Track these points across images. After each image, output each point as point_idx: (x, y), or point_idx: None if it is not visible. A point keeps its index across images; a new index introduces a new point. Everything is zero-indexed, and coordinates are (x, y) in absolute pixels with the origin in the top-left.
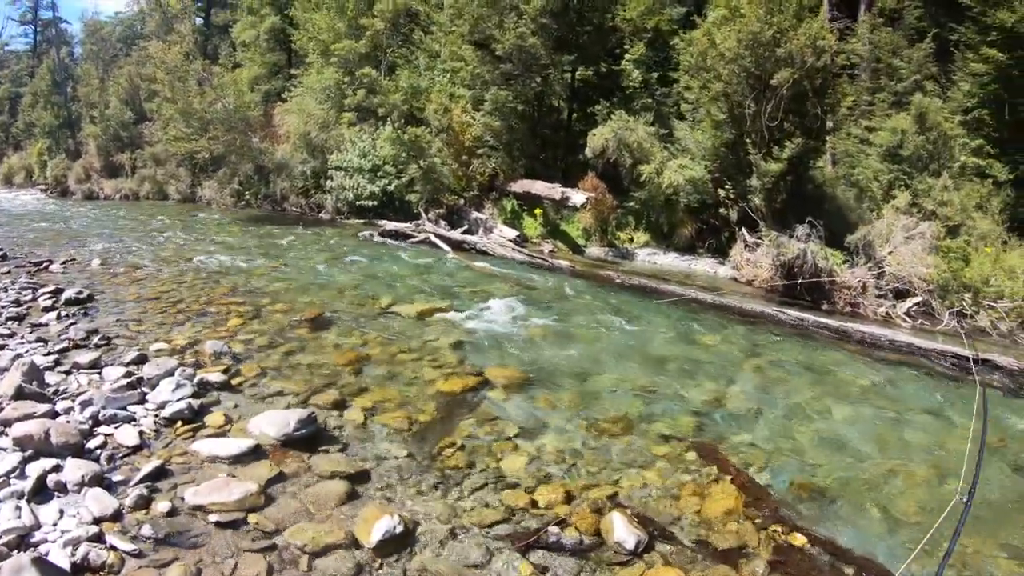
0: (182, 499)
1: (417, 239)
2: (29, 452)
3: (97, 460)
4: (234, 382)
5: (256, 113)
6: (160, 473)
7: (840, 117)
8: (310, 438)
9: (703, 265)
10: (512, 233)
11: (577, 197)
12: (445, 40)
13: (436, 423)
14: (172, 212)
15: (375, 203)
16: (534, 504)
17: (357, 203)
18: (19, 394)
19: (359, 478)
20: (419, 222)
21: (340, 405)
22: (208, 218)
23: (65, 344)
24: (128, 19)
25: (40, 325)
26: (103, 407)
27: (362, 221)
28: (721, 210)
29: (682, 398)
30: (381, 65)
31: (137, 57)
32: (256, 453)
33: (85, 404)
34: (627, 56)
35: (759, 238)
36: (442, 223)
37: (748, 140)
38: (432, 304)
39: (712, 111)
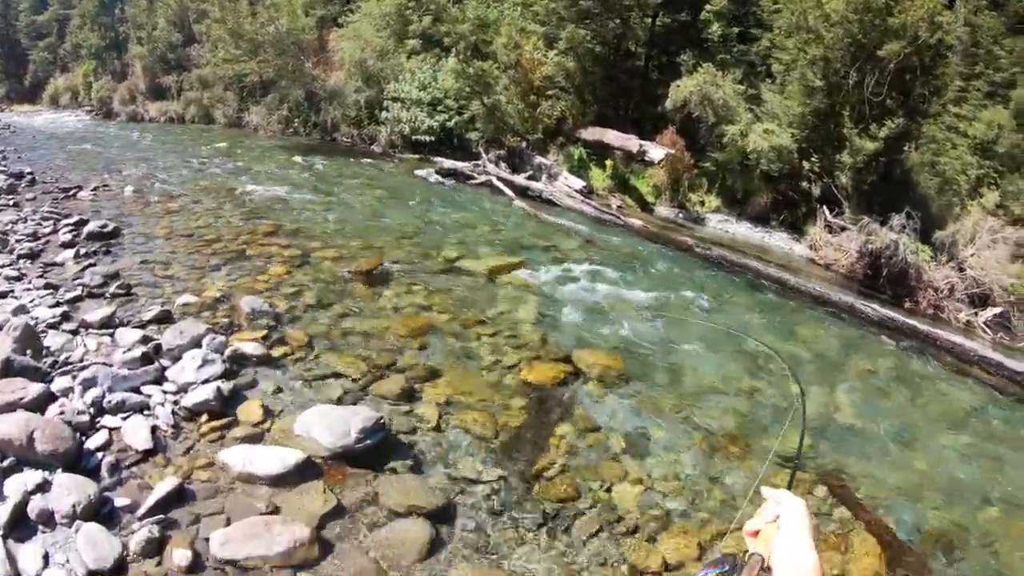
0: (206, 543)
1: (477, 181)
2: (9, 461)
3: (96, 472)
4: (275, 354)
5: (310, 37)
6: (178, 497)
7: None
8: (375, 450)
9: (777, 240)
10: (578, 183)
11: (655, 152)
12: None
13: (527, 428)
14: (217, 137)
15: (432, 139)
16: (666, 567)
17: (413, 137)
18: (7, 369)
19: (442, 516)
20: (478, 162)
21: (408, 396)
22: (254, 144)
23: (78, 292)
24: None
25: (54, 265)
26: (109, 388)
27: (417, 156)
28: (803, 183)
29: (791, 407)
30: None
31: None
32: (305, 471)
33: (87, 384)
34: (708, 6)
35: (842, 219)
36: (502, 165)
37: (844, 112)
38: (503, 260)
39: (808, 75)
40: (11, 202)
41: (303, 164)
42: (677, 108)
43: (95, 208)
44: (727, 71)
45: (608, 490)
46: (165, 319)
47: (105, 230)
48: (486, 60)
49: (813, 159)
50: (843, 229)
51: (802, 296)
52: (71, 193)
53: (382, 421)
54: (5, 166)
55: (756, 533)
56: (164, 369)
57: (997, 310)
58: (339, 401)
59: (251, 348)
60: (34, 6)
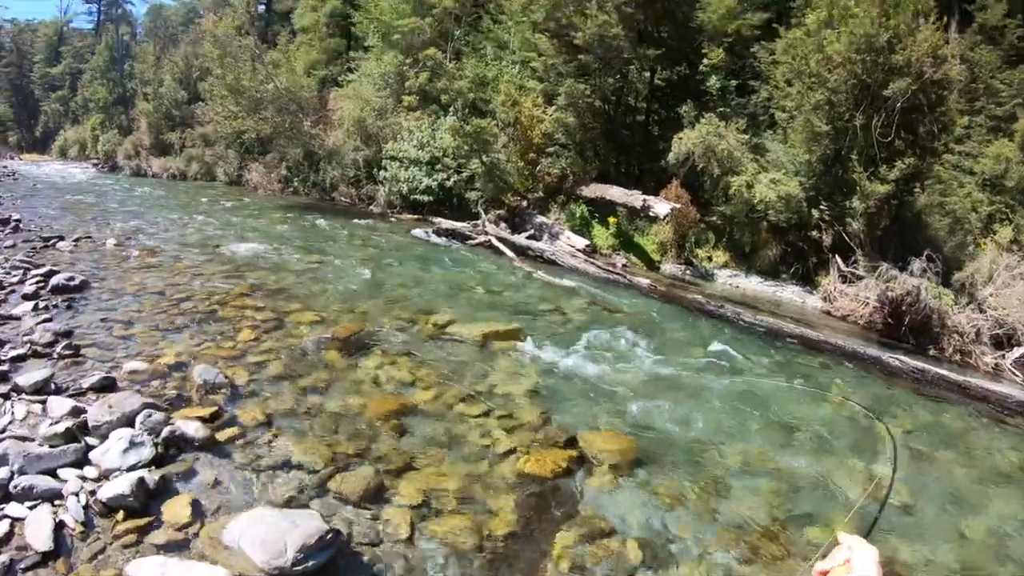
0: None
1: (476, 241)
2: None
3: None
4: (221, 436)
5: (309, 95)
6: None
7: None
8: (321, 572)
9: (789, 293)
10: (581, 242)
11: (660, 207)
12: (515, 29)
13: (522, 536)
14: (216, 194)
15: (430, 198)
16: None
17: (411, 197)
18: None
19: None
20: (477, 222)
21: (376, 495)
22: (252, 203)
23: (24, 350)
24: (191, 2)
25: (10, 318)
26: (20, 469)
27: (415, 217)
28: (813, 232)
29: (830, 488)
30: (447, 50)
31: (192, 36)
32: None
33: None
34: (705, 60)
35: (855, 268)
36: (502, 225)
37: (852, 156)
38: (499, 326)
39: (812, 121)
40: None
41: (297, 223)
42: (680, 162)
43: (72, 260)
44: (730, 121)
45: None
46: (107, 388)
47: (71, 283)
48: (485, 118)
49: (822, 207)
50: (858, 278)
51: (824, 351)
52: (51, 243)
53: (329, 536)
54: None
55: (825, 573)
56: (89, 449)
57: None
58: (290, 501)
59: (193, 429)
60: (48, 59)
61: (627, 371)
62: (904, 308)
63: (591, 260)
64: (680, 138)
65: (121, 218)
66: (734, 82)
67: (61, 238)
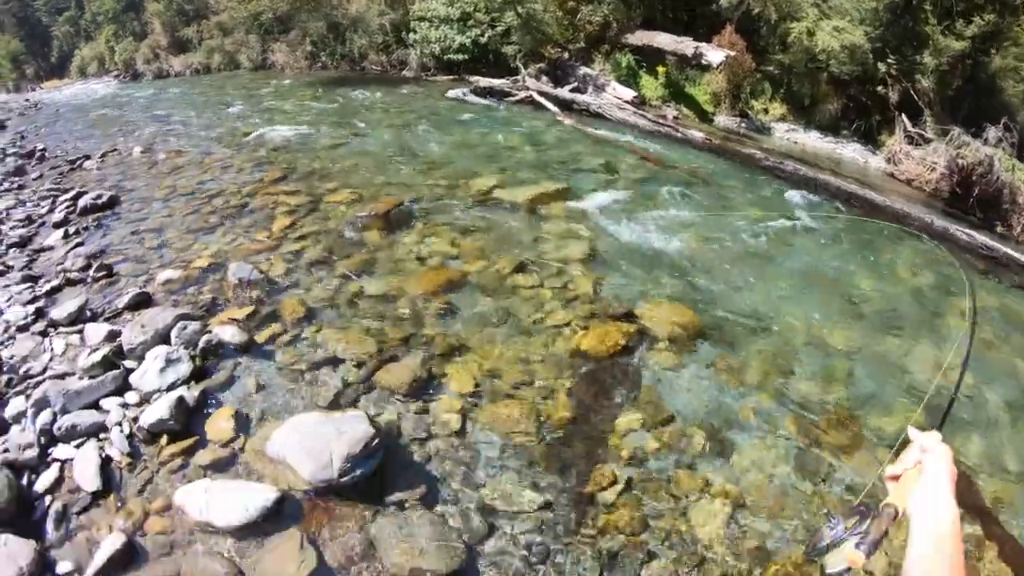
0: None
1: (517, 98)
2: None
3: (42, 528)
4: (260, 337)
5: None
6: (125, 559)
7: None
8: (371, 478)
9: (851, 151)
10: (629, 93)
11: (713, 55)
12: None
13: (579, 424)
14: (242, 82)
15: (465, 57)
16: None
17: (445, 57)
18: None
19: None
20: (517, 78)
21: (424, 386)
22: (279, 84)
23: (58, 280)
24: None
25: (43, 250)
26: (63, 408)
27: (451, 78)
28: (879, 88)
29: (900, 371)
30: None
31: None
32: (277, 516)
33: (40, 405)
34: None
35: (923, 130)
36: (544, 79)
37: (926, 7)
38: (547, 187)
39: None
40: (15, 184)
41: (329, 97)
42: (734, 5)
43: (100, 177)
44: None
45: (685, 514)
46: (142, 303)
47: (100, 201)
48: None
49: (890, 60)
50: (926, 140)
51: (888, 217)
52: (77, 164)
53: (375, 443)
54: (22, 146)
55: (897, 478)
56: (128, 374)
57: None
58: (335, 401)
59: (230, 334)
60: None
61: (683, 234)
62: (974, 178)
63: (640, 112)
64: None
65: (146, 124)
66: None
67: (88, 157)
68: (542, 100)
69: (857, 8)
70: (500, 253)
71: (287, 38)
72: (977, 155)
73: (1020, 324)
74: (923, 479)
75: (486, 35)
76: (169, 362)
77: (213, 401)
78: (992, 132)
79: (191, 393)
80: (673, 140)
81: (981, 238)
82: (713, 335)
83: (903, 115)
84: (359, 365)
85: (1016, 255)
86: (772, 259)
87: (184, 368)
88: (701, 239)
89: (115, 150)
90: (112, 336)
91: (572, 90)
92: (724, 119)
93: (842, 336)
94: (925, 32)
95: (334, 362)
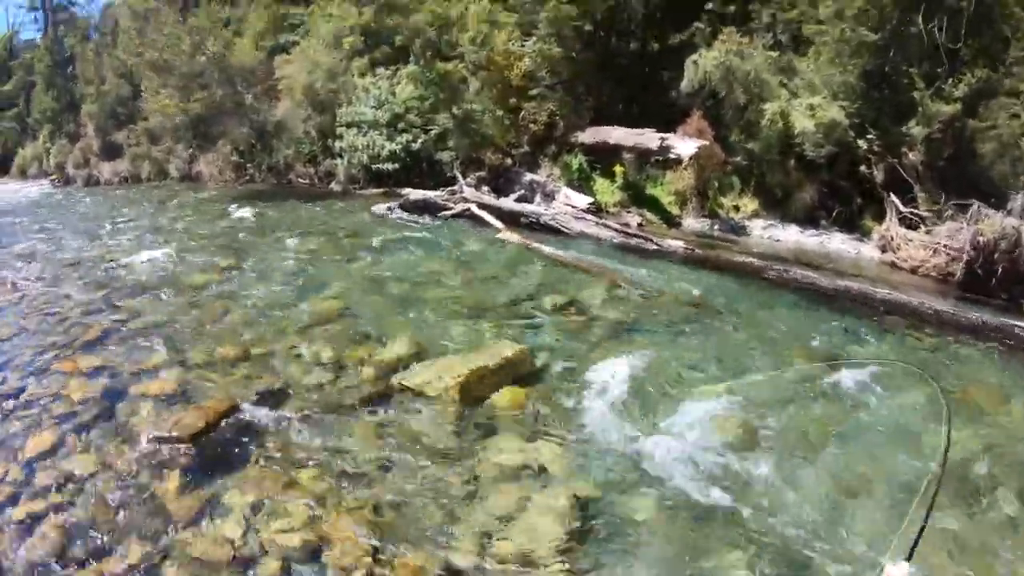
0: None
1: (453, 211)
2: None
3: None
4: None
5: (249, 61)
6: None
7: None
8: None
9: (837, 243)
10: (583, 200)
11: (683, 146)
12: None
13: None
14: (159, 195)
15: (396, 166)
16: None
17: (373, 167)
18: None
19: None
20: (454, 188)
21: None
22: (196, 200)
23: None
24: None
25: None
26: None
27: (380, 191)
28: (859, 168)
29: None
30: None
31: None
32: None
33: None
34: None
35: (916, 207)
36: (484, 189)
37: (911, 70)
38: (489, 354)
39: (856, 30)
40: None
41: (235, 216)
42: (696, 90)
43: None
44: (757, 35)
45: None
46: None
47: None
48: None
49: (870, 136)
50: (921, 219)
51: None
52: None
53: None
54: None
55: None
56: None
57: None
58: None
59: None
60: None
61: (727, 435)
62: (996, 255)
63: (604, 222)
64: (695, 61)
65: (26, 238)
66: None
67: None
68: (482, 213)
69: (827, 83)
70: (407, 548)
71: (214, 148)
72: (999, 229)
73: None
74: None
75: (418, 140)
76: None
77: None
78: (1020, 200)
79: None
80: (646, 253)
81: None
82: None
83: (892, 195)
84: None
85: None
86: (837, 437)
87: None
88: (745, 434)
89: None
90: None
91: (518, 199)
92: (692, 221)
93: None
94: (909, 99)
95: None
